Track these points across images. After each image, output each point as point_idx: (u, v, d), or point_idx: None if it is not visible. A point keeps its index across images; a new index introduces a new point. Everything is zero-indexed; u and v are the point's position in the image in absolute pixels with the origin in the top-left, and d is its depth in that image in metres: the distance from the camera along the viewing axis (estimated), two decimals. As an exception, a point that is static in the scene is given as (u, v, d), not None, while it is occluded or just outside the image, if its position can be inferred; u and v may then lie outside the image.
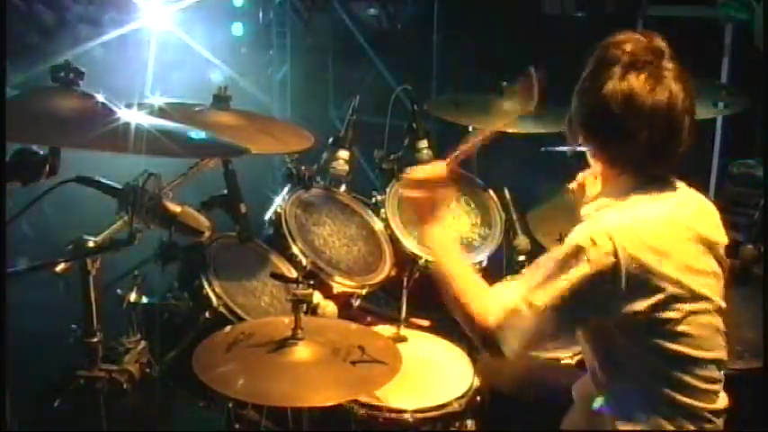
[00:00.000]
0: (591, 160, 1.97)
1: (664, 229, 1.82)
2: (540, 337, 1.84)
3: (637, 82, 1.78)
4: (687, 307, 1.81)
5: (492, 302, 1.86)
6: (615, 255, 1.75)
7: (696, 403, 1.86)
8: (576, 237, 1.80)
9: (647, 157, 1.82)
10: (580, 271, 1.76)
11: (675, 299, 1.80)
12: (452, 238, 2.11)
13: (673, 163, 1.86)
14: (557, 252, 1.83)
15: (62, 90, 1.80)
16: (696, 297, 1.82)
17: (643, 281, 1.77)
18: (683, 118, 1.79)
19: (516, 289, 1.85)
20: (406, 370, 2.04)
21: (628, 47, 1.81)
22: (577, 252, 1.77)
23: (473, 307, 1.87)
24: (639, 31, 1.88)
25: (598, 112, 1.83)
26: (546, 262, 1.84)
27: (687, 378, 1.84)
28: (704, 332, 1.85)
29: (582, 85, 1.88)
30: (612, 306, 1.79)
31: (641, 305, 1.78)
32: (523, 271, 1.98)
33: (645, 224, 1.81)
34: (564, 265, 1.79)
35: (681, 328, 1.81)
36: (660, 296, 1.78)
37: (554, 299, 1.79)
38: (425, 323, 2.79)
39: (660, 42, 1.83)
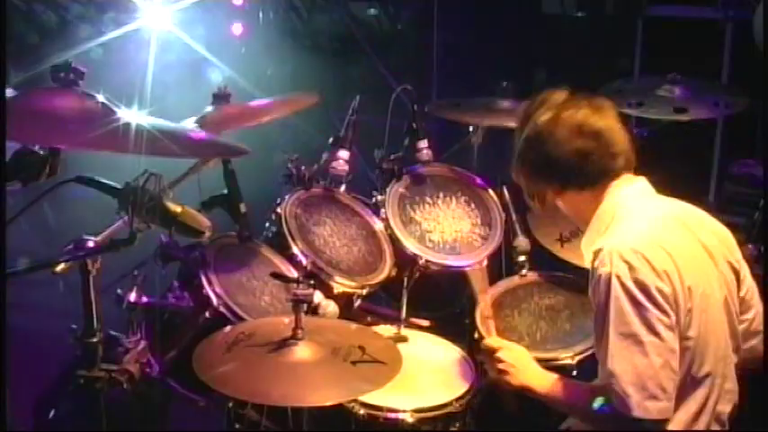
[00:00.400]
0: (561, 205, 2.09)
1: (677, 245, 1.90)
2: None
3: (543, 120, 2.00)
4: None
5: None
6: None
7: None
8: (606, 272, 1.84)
9: (588, 165, 1.97)
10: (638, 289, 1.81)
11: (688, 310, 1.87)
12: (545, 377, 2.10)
13: (614, 165, 1.98)
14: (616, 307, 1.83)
15: (62, 90, 1.80)
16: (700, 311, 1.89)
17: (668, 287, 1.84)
18: (597, 127, 1.97)
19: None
20: (406, 370, 2.04)
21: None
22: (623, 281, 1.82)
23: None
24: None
25: (534, 155, 2.02)
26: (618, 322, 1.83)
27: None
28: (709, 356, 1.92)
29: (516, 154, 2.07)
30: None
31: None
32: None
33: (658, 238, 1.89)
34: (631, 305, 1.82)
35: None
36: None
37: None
38: (425, 323, 2.79)
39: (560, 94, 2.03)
